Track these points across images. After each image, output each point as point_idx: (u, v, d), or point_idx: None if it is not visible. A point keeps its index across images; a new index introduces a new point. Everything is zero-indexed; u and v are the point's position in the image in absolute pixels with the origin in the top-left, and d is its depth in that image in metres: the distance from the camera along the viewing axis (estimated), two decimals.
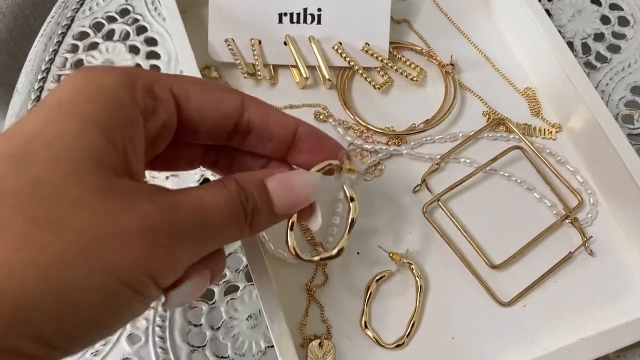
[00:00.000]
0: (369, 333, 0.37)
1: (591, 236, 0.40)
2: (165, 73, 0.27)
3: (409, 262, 0.39)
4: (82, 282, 0.20)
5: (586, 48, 0.48)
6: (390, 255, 0.39)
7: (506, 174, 0.42)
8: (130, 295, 0.21)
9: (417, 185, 0.41)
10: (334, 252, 0.31)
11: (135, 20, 0.48)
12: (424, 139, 0.43)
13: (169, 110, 0.26)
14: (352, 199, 0.32)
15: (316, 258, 0.31)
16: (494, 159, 0.42)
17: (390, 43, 0.45)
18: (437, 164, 0.41)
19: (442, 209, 0.40)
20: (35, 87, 0.45)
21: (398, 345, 0.37)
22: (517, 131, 0.42)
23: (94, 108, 0.23)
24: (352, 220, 0.32)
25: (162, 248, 0.22)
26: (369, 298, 0.38)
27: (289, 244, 0.30)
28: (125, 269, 0.21)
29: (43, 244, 0.19)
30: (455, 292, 0.39)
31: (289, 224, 0.29)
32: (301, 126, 0.30)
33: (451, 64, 0.45)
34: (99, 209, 0.21)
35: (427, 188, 0.41)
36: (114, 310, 0.21)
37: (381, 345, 0.37)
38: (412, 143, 0.43)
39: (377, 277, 0.38)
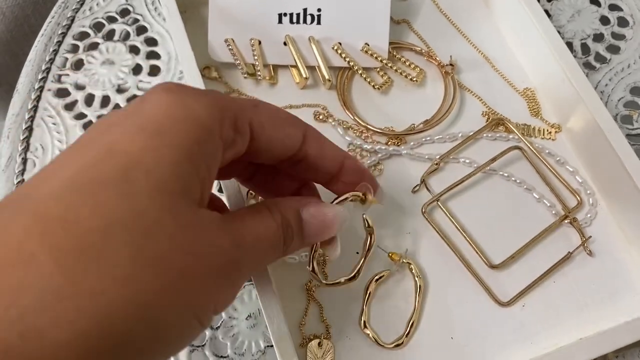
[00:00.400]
0: (368, 333, 0.37)
1: (590, 236, 0.40)
2: (245, 101, 0.27)
3: (408, 262, 0.39)
4: (170, 319, 0.21)
5: (585, 48, 0.48)
6: (390, 255, 0.39)
7: (505, 174, 0.42)
8: (198, 327, 0.23)
9: (417, 185, 0.41)
10: (351, 275, 0.34)
11: (136, 21, 0.48)
12: (423, 139, 0.43)
13: (245, 142, 0.27)
14: (371, 230, 0.35)
15: (338, 281, 0.35)
16: (493, 159, 0.42)
17: (390, 43, 0.45)
18: (436, 164, 0.42)
19: (442, 209, 0.40)
20: (36, 87, 0.45)
21: (397, 345, 0.37)
22: (516, 131, 0.43)
23: (189, 139, 0.23)
24: (370, 247, 0.35)
25: (230, 284, 0.24)
26: (368, 298, 0.38)
27: (315, 270, 0.33)
28: (200, 305, 0.22)
29: (145, 284, 0.20)
30: (455, 292, 0.39)
31: (312, 251, 0.32)
32: (347, 160, 0.32)
33: (450, 64, 0.45)
34: (190, 249, 0.22)
35: (427, 188, 0.41)
36: (184, 343, 0.23)
37: (380, 345, 0.37)
38: (412, 143, 0.43)
39: (377, 277, 0.38)
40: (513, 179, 0.42)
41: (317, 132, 0.30)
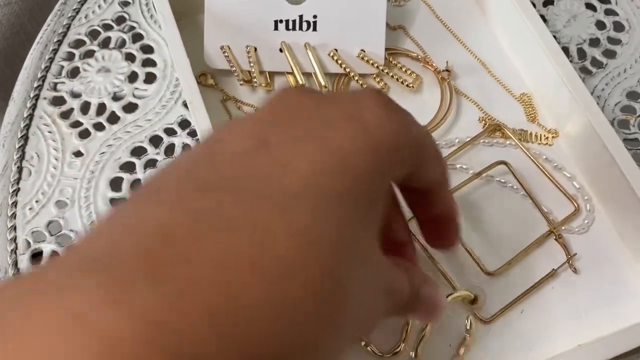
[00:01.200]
0: (363, 344, 0.37)
1: (575, 253, 0.40)
2: (421, 135, 0.25)
3: None
4: None
5: (582, 53, 0.48)
6: None
7: (502, 180, 0.42)
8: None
9: None
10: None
11: (132, 28, 0.48)
12: None
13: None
14: (470, 332, 0.37)
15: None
16: (479, 174, 0.41)
17: (386, 49, 0.45)
18: None
19: None
20: (31, 95, 0.45)
21: (395, 353, 0.37)
22: (513, 137, 0.42)
23: (383, 192, 0.22)
24: (423, 337, 0.36)
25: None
26: None
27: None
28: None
29: None
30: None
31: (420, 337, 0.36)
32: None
33: (447, 70, 0.45)
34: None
35: None
36: None
37: (378, 355, 0.37)
38: None
39: None
40: (510, 185, 0.42)
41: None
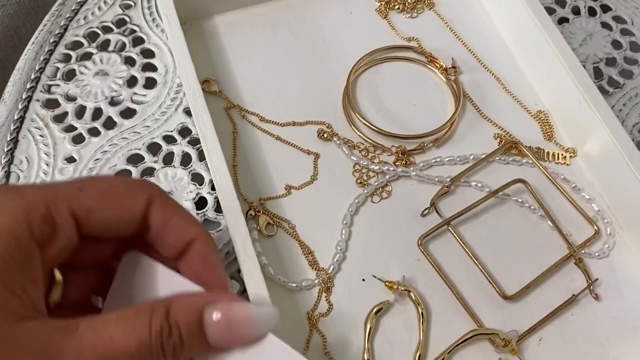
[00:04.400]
0: None
1: (597, 279, 0.38)
2: (66, 187, 0.25)
3: (407, 290, 0.36)
4: None
5: (598, 72, 0.47)
6: (386, 284, 0.36)
7: (520, 200, 0.40)
8: None
9: (426, 209, 0.39)
10: None
11: (132, 31, 0.46)
12: (433, 161, 0.41)
13: (67, 233, 0.25)
14: None
15: None
16: (496, 192, 0.39)
17: (390, 47, 0.44)
18: (447, 186, 0.39)
19: (453, 235, 0.38)
20: (24, 97, 0.42)
21: None
22: (530, 155, 0.41)
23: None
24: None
25: None
26: (369, 334, 0.35)
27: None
28: None
29: None
30: (463, 323, 0.36)
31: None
32: (198, 242, 0.27)
33: (453, 67, 0.43)
34: None
35: (437, 211, 0.39)
36: None
37: None
38: (421, 164, 0.41)
39: (375, 310, 0.36)
40: (527, 205, 0.40)
41: (169, 199, 0.27)
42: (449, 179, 0.40)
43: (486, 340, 0.35)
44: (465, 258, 0.37)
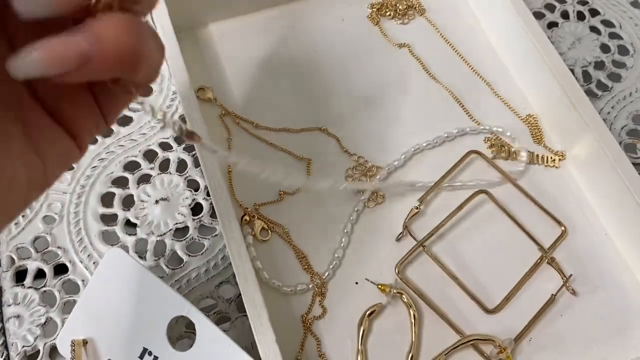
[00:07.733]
0: None
1: (571, 275, 0.38)
2: None
3: (399, 292, 0.37)
4: None
5: (587, 76, 0.48)
6: (379, 287, 0.37)
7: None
8: None
9: (400, 233, 0.39)
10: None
11: None
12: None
13: None
14: None
15: None
16: (460, 207, 0.39)
17: None
18: (416, 208, 0.39)
19: (429, 256, 0.38)
20: None
21: None
22: (490, 162, 0.41)
23: None
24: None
25: None
26: (362, 336, 0.36)
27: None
28: None
29: None
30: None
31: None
32: None
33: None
34: None
35: (410, 234, 0.39)
36: None
37: None
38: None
39: (368, 312, 0.36)
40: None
41: None
42: (417, 201, 0.39)
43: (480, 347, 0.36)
44: (444, 275, 0.38)
